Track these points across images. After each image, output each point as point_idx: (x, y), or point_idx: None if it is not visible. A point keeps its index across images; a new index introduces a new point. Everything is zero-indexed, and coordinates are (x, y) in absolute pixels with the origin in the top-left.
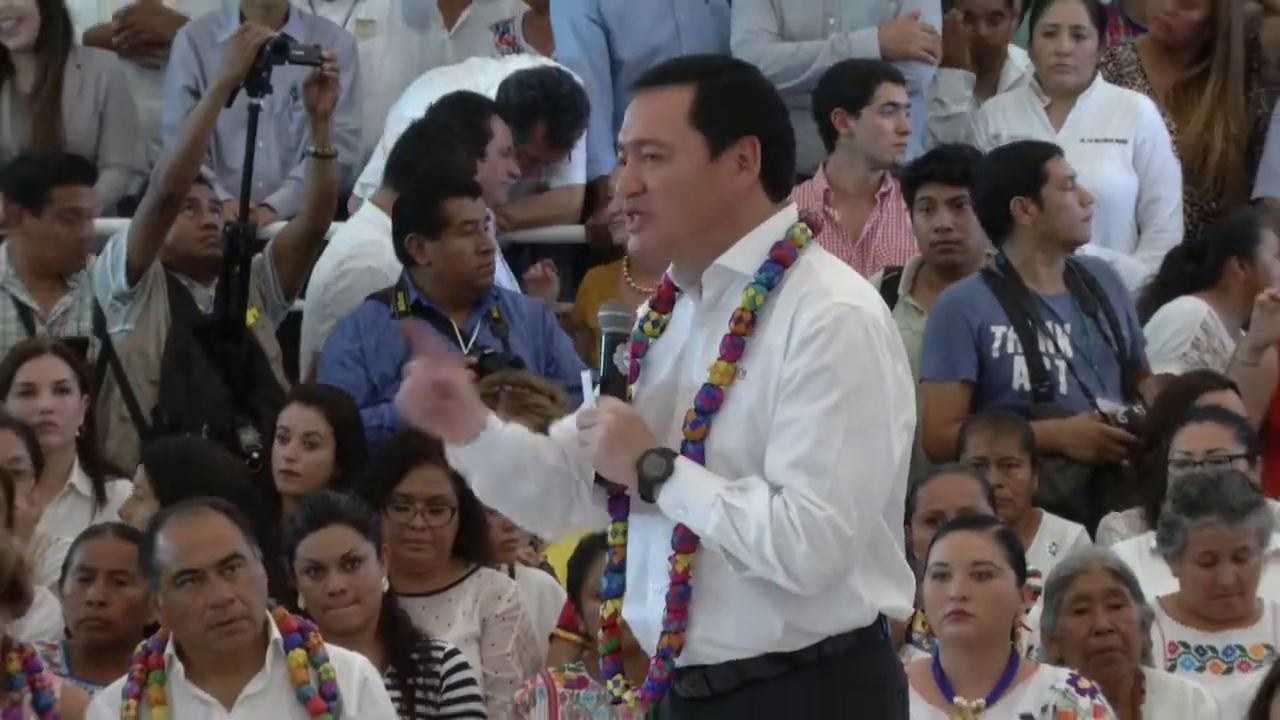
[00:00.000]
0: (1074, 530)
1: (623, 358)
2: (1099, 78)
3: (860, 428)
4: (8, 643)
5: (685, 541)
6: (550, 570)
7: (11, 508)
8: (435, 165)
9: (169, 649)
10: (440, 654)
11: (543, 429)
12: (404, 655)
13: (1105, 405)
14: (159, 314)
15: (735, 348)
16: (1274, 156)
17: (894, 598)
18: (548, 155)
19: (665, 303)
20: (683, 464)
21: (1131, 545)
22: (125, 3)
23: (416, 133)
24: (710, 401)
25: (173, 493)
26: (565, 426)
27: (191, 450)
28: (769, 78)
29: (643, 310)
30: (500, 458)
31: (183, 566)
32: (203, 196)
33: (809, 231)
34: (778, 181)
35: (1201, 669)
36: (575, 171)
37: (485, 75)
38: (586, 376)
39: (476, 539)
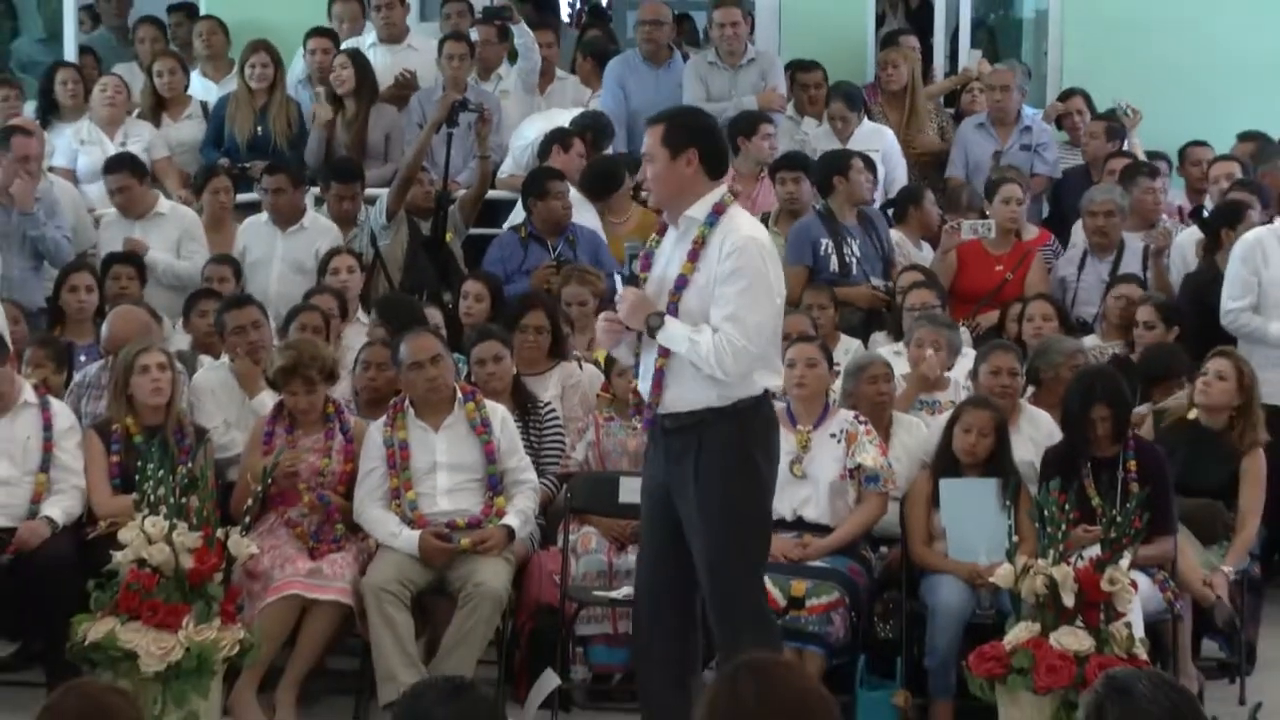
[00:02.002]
0: (856, 344)
1: (634, 265)
2: (865, 121)
3: (754, 298)
4: (327, 399)
5: (661, 355)
6: (596, 364)
7: (329, 334)
8: (544, 167)
9: (406, 401)
10: (542, 405)
11: (596, 296)
12: (523, 405)
13: (875, 281)
14: (402, 235)
15: (693, 257)
16: (957, 156)
17: (773, 380)
18: (589, 155)
19: (661, 234)
20: (669, 319)
21: (888, 350)
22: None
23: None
24: (681, 283)
25: (394, 324)
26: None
27: (403, 301)
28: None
29: (654, 237)
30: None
31: (412, 360)
32: (424, 178)
33: (732, 197)
34: (713, 170)
35: (920, 411)
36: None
37: (562, 117)
38: (616, 277)
39: (559, 347)
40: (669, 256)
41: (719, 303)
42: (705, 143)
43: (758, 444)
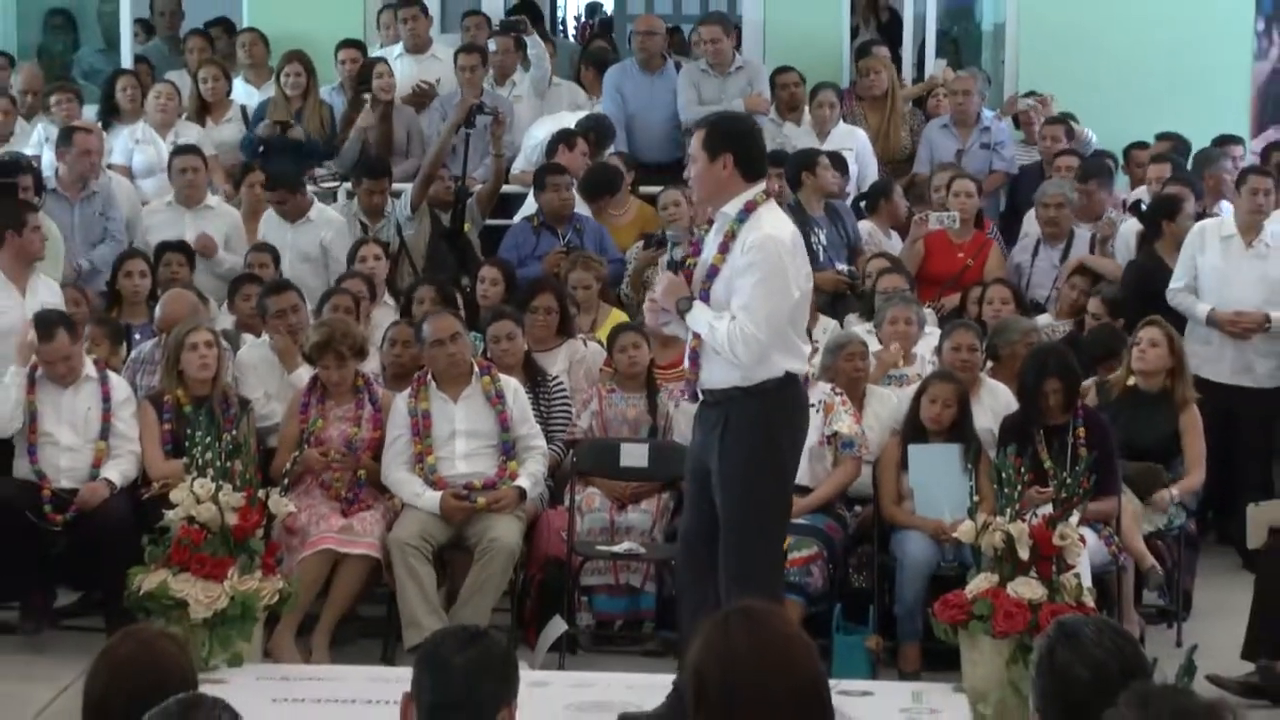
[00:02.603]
0: (834, 323)
1: (675, 252)
2: (841, 123)
3: (767, 291)
4: (357, 373)
5: (695, 336)
6: (600, 342)
7: (359, 315)
8: (547, 164)
9: (428, 374)
10: (550, 379)
11: (599, 280)
12: (534, 379)
13: (839, 266)
14: (425, 226)
15: (724, 249)
16: (924, 154)
17: (795, 364)
18: (593, 154)
19: (707, 224)
20: (697, 304)
21: (860, 329)
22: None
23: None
24: (712, 273)
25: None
26: None
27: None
28: (693, 123)
29: (704, 225)
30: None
31: (434, 338)
32: (444, 174)
33: (765, 196)
34: (748, 171)
35: (890, 385)
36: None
37: (568, 119)
38: (662, 261)
39: (566, 326)
40: (709, 247)
41: (736, 293)
42: (741, 147)
43: (781, 422)
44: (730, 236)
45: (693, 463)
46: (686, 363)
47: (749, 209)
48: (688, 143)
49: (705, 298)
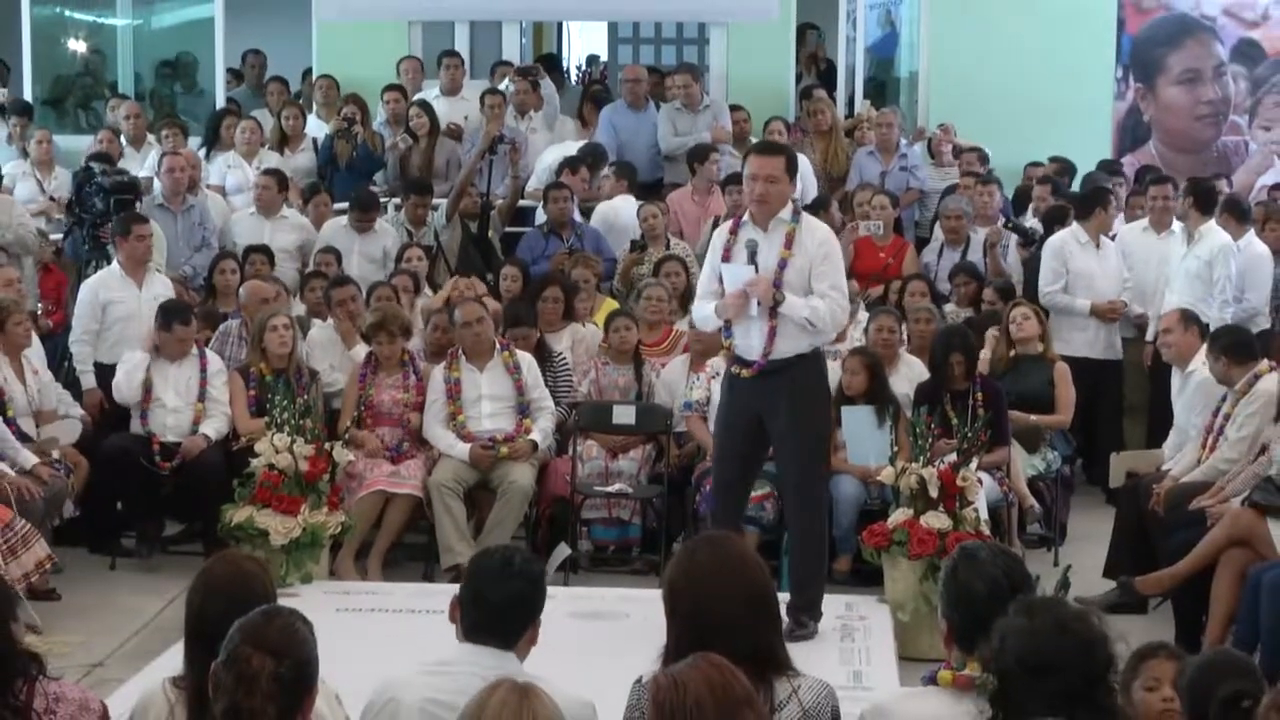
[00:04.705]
0: None
1: (755, 259)
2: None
3: (840, 273)
4: (404, 350)
5: (771, 319)
6: (597, 325)
7: (400, 302)
8: (555, 181)
9: (459, 350)
10: (556, 354)
11: (596, 275)
12: (543, 354)
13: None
14: (457, 233)
15: (788, 245)
16: (854, 175)
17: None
18: (590, 176)
19: (733, 232)
20: (788, 294)
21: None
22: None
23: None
24: (783, 265)
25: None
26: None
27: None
28: (671, 150)
29: (724, 236)
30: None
31: (463, 321)
32: (472, 191)
33: (796, 201)
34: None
35: (829, 359)
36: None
37: (572, 148)
38: (725, 267)
39: (570, 312)
40: (770, 247)
41: (821, 277)
42: (796, 170)
43: (826, 375)
44: (791, 235)
45: (736, 413)
46: (754, 342)
47: (796, 213)
48: (666, 166)
49: (779, 287)
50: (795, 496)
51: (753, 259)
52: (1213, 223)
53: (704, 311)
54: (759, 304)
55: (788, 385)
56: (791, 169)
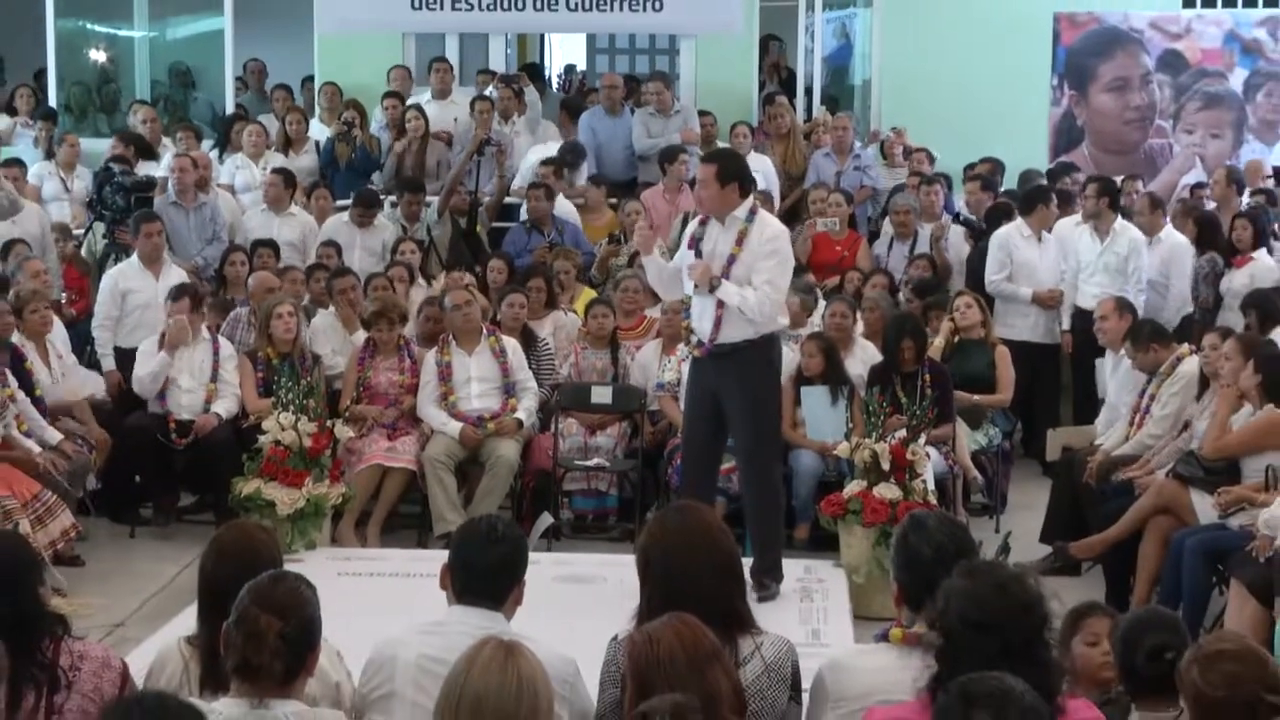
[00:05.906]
0: None
1: (700, 245)
2: (754, 151)
3: (782, 270)
4: (399, 335)
5: (719, 306)
6: (576, 313)
7: (395, 292)
8: (532, 182)
9: (450, 336)
10: (539, 340)
11: (575, 267)
12: (528, 341)
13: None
14: (448, 228)
15: (739, 242)
16: (811, 175)
17: (785, 320)
18: (570, 175)
19: (703, 223)
20: (724, 281)
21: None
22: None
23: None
24: (731, 260)
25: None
26: (675, 263)
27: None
28: (644, 151)
29: (695, 226)
30: (657, 266)
31: (453, 305)
32: (461, 189)
33: (757, 204)
34: (744, 191)
35: (789, 343)
36: (579, 177)
37: (553, 149)
38: (680, 254)
39: (552, 301)
40: (716, 241)
41: (760, 272)
42: (739, 176)
43: (777, 362)
44: (743, 233)
45: (698, 392)
46: (703, 325)
47: (753, 212)
48: (642, 167)
49: (726, 277)
50: (748, 467)
51: (699, 248)
52: (1121, 219)
53: (652, 269)
54: (695, 286)
55: (736, 368)
56: (723, 175)
